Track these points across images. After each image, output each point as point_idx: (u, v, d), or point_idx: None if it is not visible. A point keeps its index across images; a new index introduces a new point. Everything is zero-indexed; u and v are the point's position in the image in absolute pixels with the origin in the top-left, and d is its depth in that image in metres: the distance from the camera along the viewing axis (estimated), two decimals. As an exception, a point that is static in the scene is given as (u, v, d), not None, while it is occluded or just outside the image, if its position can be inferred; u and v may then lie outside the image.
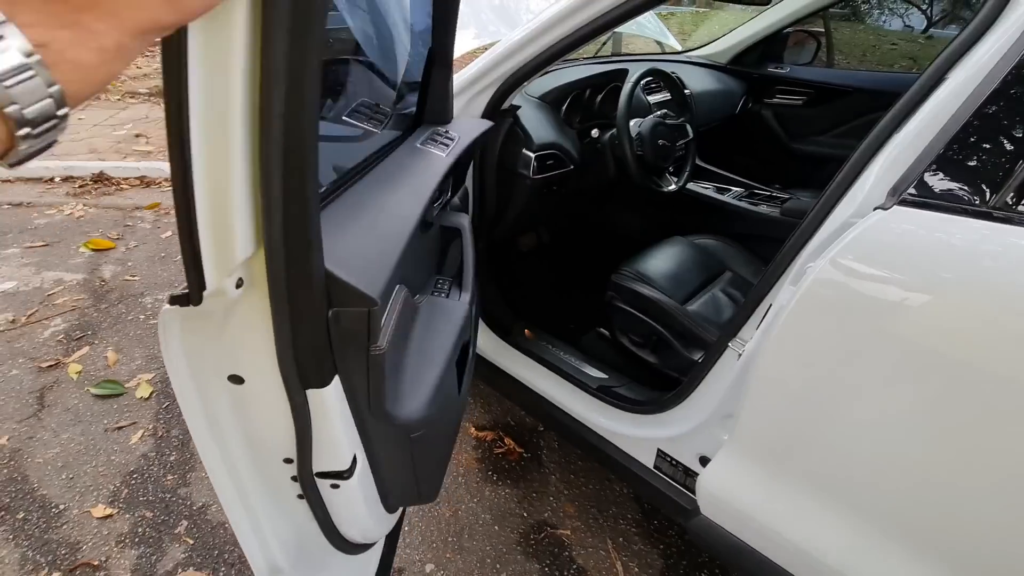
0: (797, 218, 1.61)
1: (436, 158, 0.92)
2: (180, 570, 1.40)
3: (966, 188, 0.68)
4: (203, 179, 0.43)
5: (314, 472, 0.71)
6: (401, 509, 1.19)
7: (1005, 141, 0.67)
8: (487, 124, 1.15)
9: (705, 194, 1.82)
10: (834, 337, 0.78)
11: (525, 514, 1.58)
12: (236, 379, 0.61)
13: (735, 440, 0.97)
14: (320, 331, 0.57)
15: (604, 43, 2.70)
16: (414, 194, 0.80)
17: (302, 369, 0.59)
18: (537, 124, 1.43)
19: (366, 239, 0.66)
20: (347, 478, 0.73)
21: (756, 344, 0.90)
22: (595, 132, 1.53)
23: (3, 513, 1.53)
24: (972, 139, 0.68)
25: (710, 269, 1.55)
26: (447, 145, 0.97)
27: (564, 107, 1.55)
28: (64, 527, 1.50)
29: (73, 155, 3.89)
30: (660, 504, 1.25)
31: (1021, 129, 0.66)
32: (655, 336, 1.39)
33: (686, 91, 1.81)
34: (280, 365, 0.58)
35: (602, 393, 1.37)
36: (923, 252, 0.70)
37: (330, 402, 0.64)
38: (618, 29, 2.29)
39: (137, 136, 4.33)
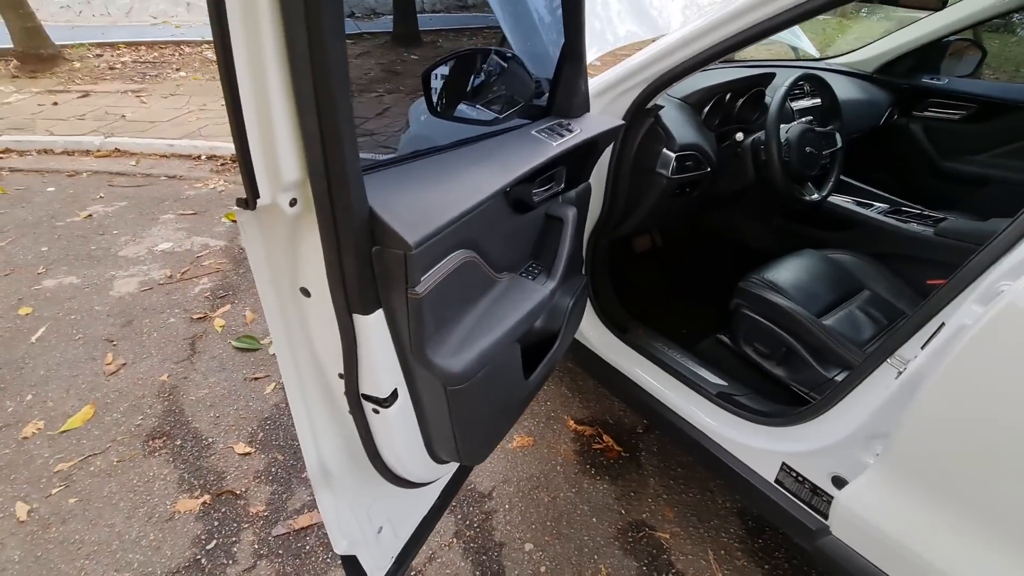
0: (958, 239, 1.50)
1: (545, 146, 0.97)
2: (307, 510, 1.54)
3: None
4: (250, 108, 0.51)
5: (360, 393, 0.81)
6: (455, 468, 1.26)
7: None
8: (617, 123, 1.17)
9: (846, 207, 1.72)
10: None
11: (623, 511, 1.58)
12: (305, 292, 0.70)
13: (887, 461, 0.92)
14: (365, 263, 0.65)
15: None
16: (501, 171, 0.86)
17: (349, 294, 0.67)
18: (679, 125, 1.43)
19: (428, 196, 0.74)
20: (387, 407, 0.82)
21: (925, 363, 0.85)
22: (740, 136, 1.50)
23: (166, 439, 1.77)
24: None
25: (846, 286, 1.47)
26: (562, 136, 1.01)
27: (707, 109, 1.53)
28: (212, 458, 1.71)
29: (217, 137, 4.38)
30: (778, 520, 1.21)
31: None
32: (785, 347, 1.35)
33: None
34: (329, 286, 0.66)
35: (722, 399, 1.34)
36: None
37: (371, 330, 0.72)
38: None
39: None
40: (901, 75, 2.08)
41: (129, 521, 1.51)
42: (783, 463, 1.18)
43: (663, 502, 1.61)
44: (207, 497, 1.58)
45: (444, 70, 1.11)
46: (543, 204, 1.06)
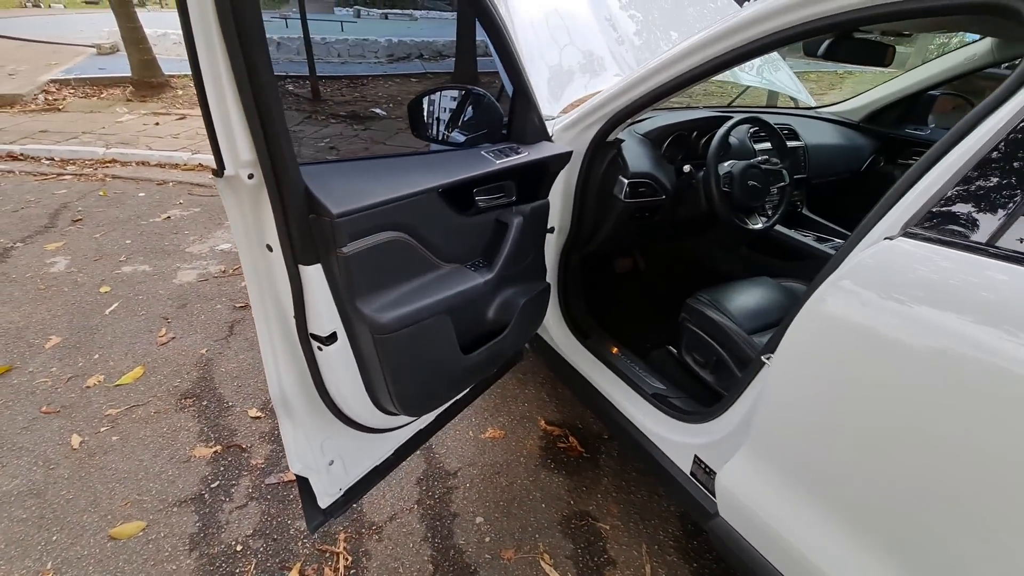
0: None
1: (487, 162, 1.21)
2: (296, 467, 1.79)
3: (966, 226, 0.75)
4: (216, 112, 0.75)
5: (308, 332, 1.04)
6: (412, 430, 1.46)
7: (1004, 189, 0.74)
8: (565, 150, 1.39)
9: (801, 241, 1.84)
10: (829, 353, 0.88)
11: (572, 502, 1.73)
12: (269, 248, 0.94)
13: (749, 443, 1.06)
14: (305, 226, 0.88)
15: (740, 95, 2.81)
16: (439, 175, 1.10)
17: (295, 249, 0.90)
18: (636, 156, 1.63)
19: (362, 185, 0.97)
20: (327, 345, 1.06)
21: (777, 355, 1.00)
22: (687, 168, 1.69)
23: (195, 399, 2.09)
24: (976, 183, 0.76)
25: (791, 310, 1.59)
26: (507, 157, 1.25)
27: (665, 144, 1.73)
28: (229, 418, 2.00)
29: (285, 157, 4.94)
30: (689, 506, 1.34)
31: (1017, 178, 0.73)
32: (716, 358, 1.48)
33: (794, 142, 1.87)
34: (280, 242, 0.90)
35: (656, 399, 1.50)
36: (919, 279, 0.78)
37: (313, 278, 0.95)
38: (752, 83, 2.41)
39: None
40: (887, 124, 2.19)
41: (155, 459, 1.81)
42: (695, 455, 1.32)
43: (611, 499, 1.74)
44: (219, 448, 1.86)
45: (429, 101, 1.40)
46: (492, 211, 1.30)
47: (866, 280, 0.83)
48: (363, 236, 0.96)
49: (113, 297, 2.77)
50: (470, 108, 1.39)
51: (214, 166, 0.82)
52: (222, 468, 1.78)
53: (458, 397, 1.57)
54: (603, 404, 1.64)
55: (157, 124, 5.94)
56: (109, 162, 4.91)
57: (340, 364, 1.11)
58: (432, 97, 1.38)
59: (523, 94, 1.32)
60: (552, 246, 1.73)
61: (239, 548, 1.52)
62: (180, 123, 6.03)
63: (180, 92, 7.20)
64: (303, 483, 1.24)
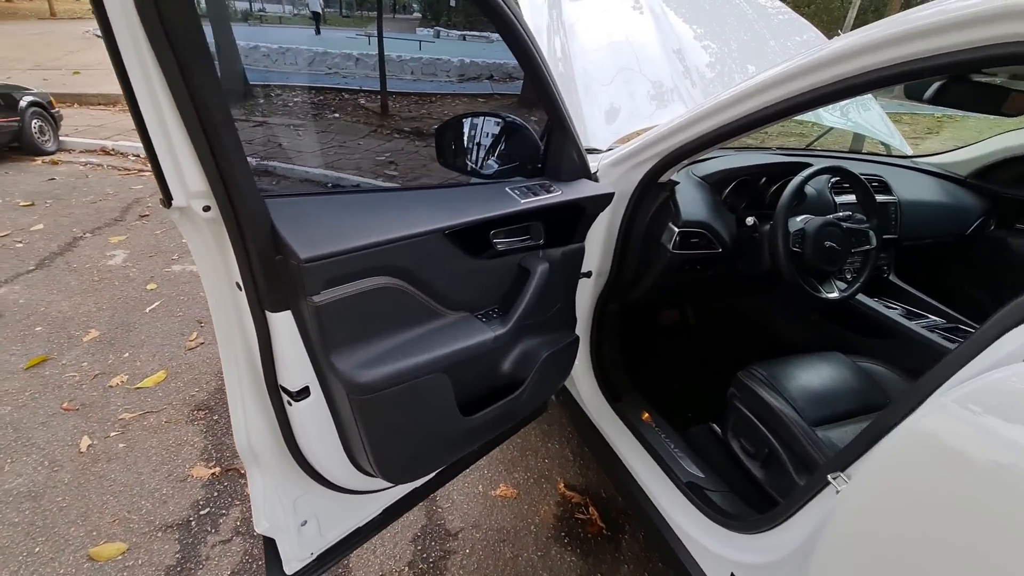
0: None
1: (510, 201, 1.05)
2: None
3: None
4: (156, 134, 0.64)
5: (279, 384, 0.91)
6: (402, 490, 1.30)
7: None
8: (605, 191, 1.21)
9: (885, 314, 1.55)
10: (941, 497, 0.64)
11: (583, 590, 1.50)
12: (238, 286, 0.81)
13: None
14: (271, 268, 0.75)
15: (820, 136, 2.53)
16: (446, 214, 0.94)
17: (260, 293, 0.78)
18: (691, 201, 1.43)
19: (348, 222, 0.83)
20: (297, 400, 0.92)
21: (857, 483, 0.76)
22: (750, 219, 1.45)
23: (207, 412, 2.03)
24: None
25: (868, 399, 1.31)
26: (535, 195, 1.09)
27: (727, 190, 1.51)
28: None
29: (343, 169, 5.04)
30: None
31: None
32: (768, 450, 1.23)
33: (884, 196, 1.59)
34: (243, 285, 0.78)
35: (691, 490, 1.26)
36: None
37: (281, 326, 0.83)
38: (837, 125, 2.14)
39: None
40: (1002, 183, 1.85)
41: (154, 474, 1.75)
42: (732, 574, 1.07)
43: (629, 593, 1.50)
44: (217, 469, 1.78)
45: (457, 126, 1.27)
46: (514, 254, 1.14)
47: (1003, 407, 0.59)
48: (343, 283, 0.82)
49: (157, 295, 2.82)
50: (503, 138, 1.24)
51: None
52: (216, 493, 1.69)
53: (460, 457, 1.40)
54: (628, 482, 1.41)
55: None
56: (185, 162, 5.19)
57: (312, 421, 0.97)
58: (462, 123, 1.25)
59: (560, 127, 1.16)
60: (587, 292, 1.55)
61: (212, 591, 1.40)
62: (256, 130, 6.32)
63: (262, 101, 7.61)
64: (270, 543, 1.10)
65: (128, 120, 6.32)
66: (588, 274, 1.51)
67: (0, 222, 3.67)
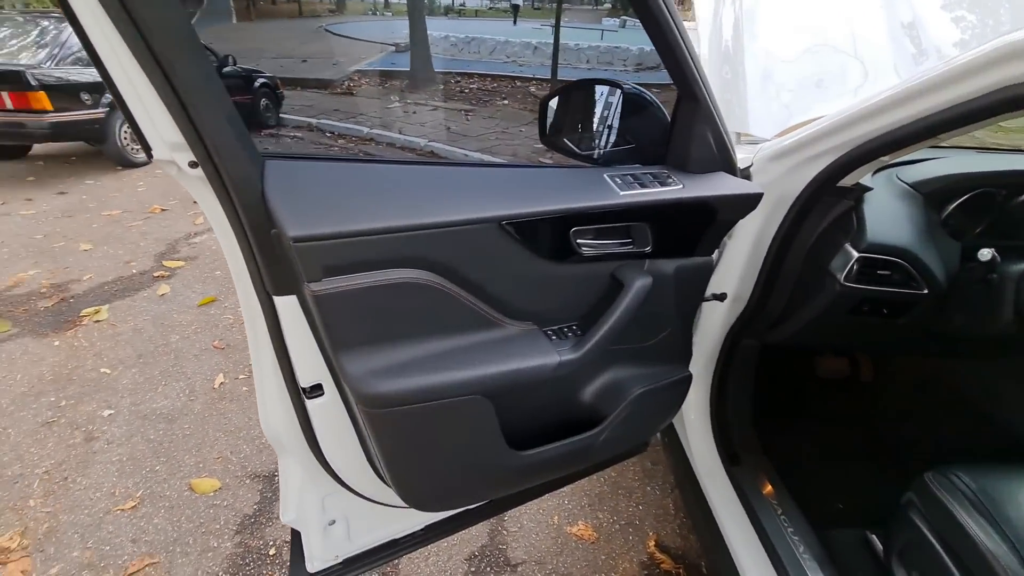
0: None
1: (606, 192, 0.81)
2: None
3: None
4: (121, 82, 0.55)
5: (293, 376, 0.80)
6: (440, 515, 1.15)
7: None
8: (751, 190, 0.89)
9: None
10: None
11: None
12: None
13: None
14: (267, 244, 0.64)
15: None
16: (512, 201, 0.74)
17: (262, 273, 0.69)
18: (887, 217, 1.00)
19: (369, 198, 0.67)
20: (312, 397, 0.81)
21: None
22: (985, 253, 0.96)
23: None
24: None
25: None
26: (643, 187, 0.82)
27: (952, 207, 1.04)
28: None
29: (502, 155, 5.08)
30: None
31: None
32: (959, 605, 0.80)
33: None
34: (246, 263, 0.69)
35: (816, 624, 0.89)
36: None
37: (288, 313, 0.73)
38: None
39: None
40: None
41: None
42: None
43: None
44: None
45: (565, 98, 1.05)
46: (607, 261, 0.89)
47: None
48: (353, 271, 0.67)
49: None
50: (620, 114, 0.98)
51: None
52: (303, 454, 1.75)
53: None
54: (727, 571, 1.08)
55: (414, 113, 6.77)
56: (368, 140, 5.74)
57: (329, 424, 0.85)
58: (570, 93, 1.02)
59: (690, 97, 0.86)
60: (716, 319, 1.22)
61: (272, 553, 1.42)
62: (431, 113, 6.76)
63: (441, 87, 8.13)
64: (296, 535, 1.04)
65: (333, 102, 7.25)
66: (722, 296, 1.18)
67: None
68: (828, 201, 1.05)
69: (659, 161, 0.97)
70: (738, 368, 1.27)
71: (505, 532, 1.52)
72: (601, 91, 1.03)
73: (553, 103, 1.04)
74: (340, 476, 0.93)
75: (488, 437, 0.86)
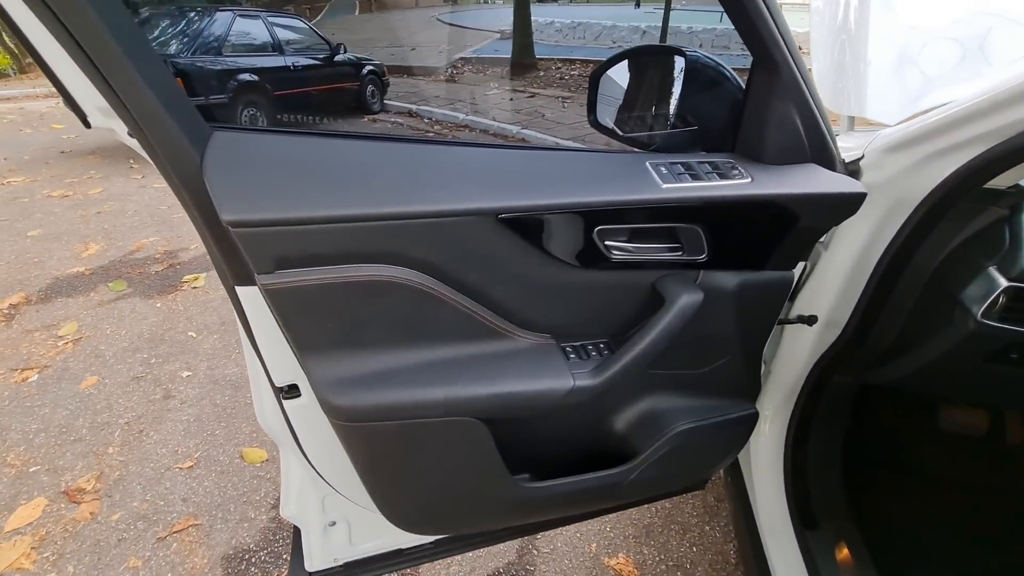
0: None
1: (645, 183, 0.65)
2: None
3: None
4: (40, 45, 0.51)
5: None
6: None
7: None
8: (844, 187, 0.68)
9: None
10: None
11: None
12: None
13: None
14: (218, 227, 0.55)
15: None
16: (518, 191, 0.62)
17: (222, 261, 0.61)
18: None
19: (340, 178, 0.57)
20: (287, 399, 0.74)
21: None
22: None
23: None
24: None
25: None
26: (694, 180, 0.66)
27: None
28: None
29: (593, 148, 4.88)
30: None
31: None
32: None
33: None
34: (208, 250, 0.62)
35: None
36: None
37: (250, 306, 0.64)
38: None
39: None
40: None
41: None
42: None
43: None
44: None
45: (619, 70, 0.89)
46: (647, 269, 0.73)
47: None
48: (316, 263, 0.57)
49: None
50: (681, 89, 0.80)
51: None
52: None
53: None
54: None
55: (511, 100, 6.73)
56: (463, 127, 5.79)
57: (311, 426, 0.78)
58: (622, 65, 0.85)
59: (767, 64, 0.66)
60: (803, 347, 1.00)
61: (301, 533, 1.42)
62: (528, 100, 6.68)
63: (542, 74, 8.00)
64: (296, 530, 0.99)
65: (435, 89, 7.42)
66: (811, 320, 0.96)
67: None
68: (968, 208, 0.79)
69: (728, 147, 0.78)
70: (826, 410, 1.03)
71: (535, 552, 1.40)
72: (661, 61, 0.86)
73: (606, 76, 0.88)
74: (329, 482, 0.87)
75: (484, 464, 0.74)
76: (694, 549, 1.42)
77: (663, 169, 0.67)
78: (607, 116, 0.87)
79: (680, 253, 0.72)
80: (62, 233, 3.21)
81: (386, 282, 0.60)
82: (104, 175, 4.35)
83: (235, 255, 0.60)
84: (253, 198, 0.53)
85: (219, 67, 4.91)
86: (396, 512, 0.79)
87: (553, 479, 0.81)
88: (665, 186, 0.65)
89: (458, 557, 1.37)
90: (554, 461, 0.83)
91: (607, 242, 0.68)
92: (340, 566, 1.01)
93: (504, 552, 1.40)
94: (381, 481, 0.74)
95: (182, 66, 4.43)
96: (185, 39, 4.79)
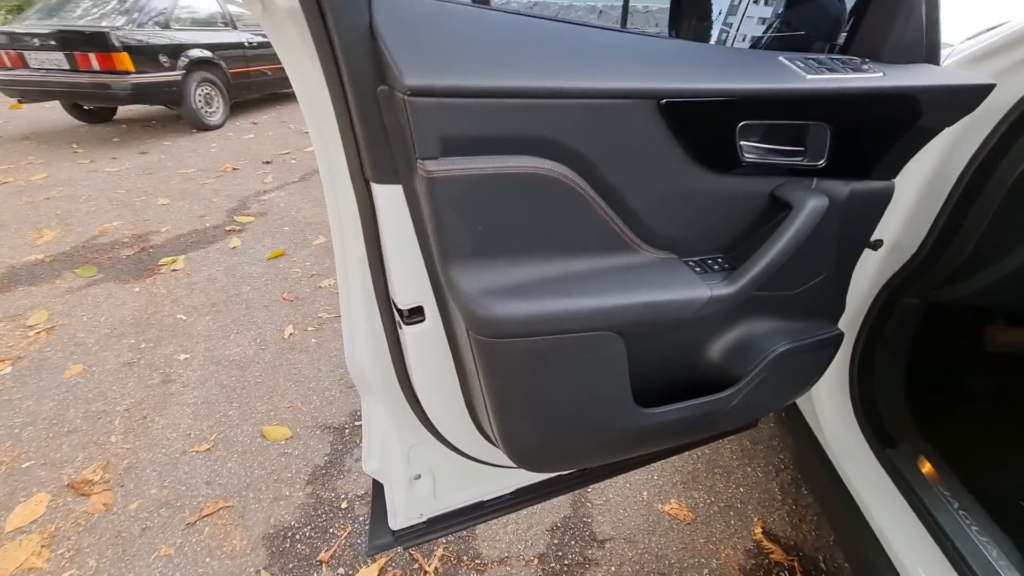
0: None
1: (787, 74, 0.63)
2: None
3: None
4: None
5: (388, 296, 0.68)
6: (533, 477, 1.02)
7: None
8: (969, 79, 0.68)
9: None
10: None
11: None
12: None
13: None
14: (371, 105, 0.50)
15: None
16: (673, 74, 0.58)
17: (360, 150, 0.55)
18: None
19: (502, 53, 0.52)
20: (410, 323, 0.68)
21: None
22: None
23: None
24: None
25: None
26: (832, 72, 0.64)
27: None
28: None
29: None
30: None
31: None
32: None
33: None
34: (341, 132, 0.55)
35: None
36: None
37: (387, 209, 0.58)
38: None
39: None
40: None
41: (330, 374, 1.81)
42: None
43: None
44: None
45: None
46: (768, 176, 0.70)
47: None
48: (475, 150, 0.52)
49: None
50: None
51: None
52: (374, 409, 1.67)
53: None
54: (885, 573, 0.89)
55: None
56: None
57: (426, 358, 0.72)
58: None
59: None
60: (868, 270, 1.01)
61: (344, 506, 1.35)
62: None
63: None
64: (378, 487, 0.93)
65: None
66: (877, 244, 0.97)
67: (285, 142, 4.46)
68: None
69: (833, 50, 0.76)
70: (893, 332, 1.05)
71: (589, 504, 1.38)
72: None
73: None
74: (433, 422, 0.81)
75: (615, 386, 0.71)
76: (740, 489, 1.44)
77: (799, 63, 0.65)
78: (691, 24, 0.84)
79: (801, 158, 0.71)
80: (8, 221, 2.90)
81: (542, 176, 0.55)
82: (45, 160, 3.96)
83: (378, 146, 0.53)
84: (435, 64, 0.46)
85: None
86: (520, 446, 0.74)
87: (664, 406, 0.78)
88: (809, 77, 0.63)
89: (513, 516, 1.34)
90: (667, 388, 0.80)
91: (743, 141, 0.65)
92: (424, 522, 0.95)
93: (558, 507, 1.37)
94: (512, 407, 0.69)
95: None
96: None
